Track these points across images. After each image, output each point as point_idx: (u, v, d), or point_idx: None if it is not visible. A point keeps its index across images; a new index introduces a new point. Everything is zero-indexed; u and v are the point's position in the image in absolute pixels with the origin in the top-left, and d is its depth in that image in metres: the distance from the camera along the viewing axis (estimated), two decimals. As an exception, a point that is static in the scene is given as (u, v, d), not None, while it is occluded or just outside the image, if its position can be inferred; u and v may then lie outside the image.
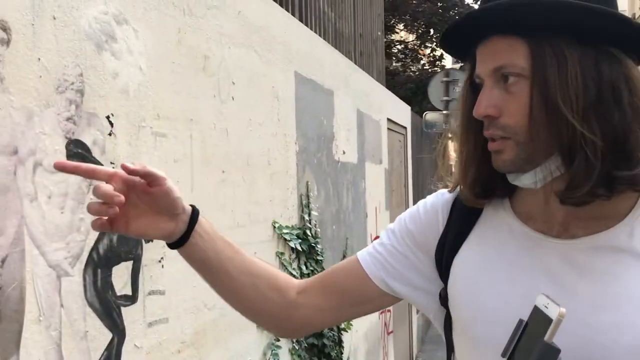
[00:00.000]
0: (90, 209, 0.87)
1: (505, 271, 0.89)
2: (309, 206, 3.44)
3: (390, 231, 1.03)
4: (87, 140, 1.62)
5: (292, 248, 3.14)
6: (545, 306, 0.72)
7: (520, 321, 0.74)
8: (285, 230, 3.03)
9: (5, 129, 1.34)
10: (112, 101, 1.73)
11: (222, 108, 2.41)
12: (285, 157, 3.13)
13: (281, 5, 3.66)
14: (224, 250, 0.98)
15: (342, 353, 3.96)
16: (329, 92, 4.01)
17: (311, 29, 4.34)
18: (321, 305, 1.04)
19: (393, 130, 6.54)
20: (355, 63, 5.83)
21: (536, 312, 0.73)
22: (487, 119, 0.85)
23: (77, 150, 1.58)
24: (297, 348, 3.18)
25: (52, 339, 1.47)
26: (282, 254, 3.02)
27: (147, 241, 1.87)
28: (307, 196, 3.45)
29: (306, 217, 3.38)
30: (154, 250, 1.92)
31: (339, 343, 3.95)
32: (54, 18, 1.50)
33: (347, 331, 4.07)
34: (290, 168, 3.20)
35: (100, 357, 1.65)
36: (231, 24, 2.51)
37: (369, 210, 5.18)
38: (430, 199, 1.03)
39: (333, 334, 3.77)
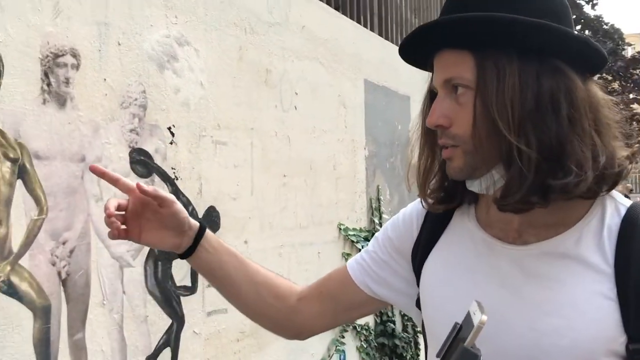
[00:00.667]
0: (105, 221, 0.98)
1: (463, 275, 0.92)
2: (379, 209, 3.55)
3: (375, 239, 1.07)
4: (150, 149, 1.85)
5: (359, 250, 3.26)
6: (474, 312, 0.74)
7: (455, 324, 0.77)
8: (351, 232, 3.16)
9: (74, 140, 1.59)
10: (174, 114, 1.96)
11: (283, 117, 2.59)
12: (353, 162, 3.25)
13: (359, 18, 3.81)
14: (228, 262, 1.06)
15: (418, 355, 4.01)
16: (404, 97, 4.08)
17: (391, 36, 4.45)
18: (319, 311, 1.08)
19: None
20: (441, 67, 5.85)
21: (467, 317, 0.76)
22: (439, 129, 0.87)
23: (140, 158, 1.82)
24: (365, 346, 3.29)
25: (115, 321, 1.71)
26: (348, 254, 3.15)
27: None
28: (378, 200, 3.55)
29: (376, 220, 3.48)
30: (213, 247, 2.12)
31: (415, 345, 4.01)
32: (119, 44, 1.74)
33: (423, 334, 4.12)
34: (359, 172, 3.33)
35: (160, 340, 1.88)
36: (294, 38, 2.69)
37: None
38: (410, 206, 1.06)
39: (407, 336, 3.83)
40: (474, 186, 0.89)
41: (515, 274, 0.87)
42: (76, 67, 1.59)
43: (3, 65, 1.40)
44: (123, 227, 0.97)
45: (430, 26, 0.86)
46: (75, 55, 1.59)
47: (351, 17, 3.68)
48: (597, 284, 0.84)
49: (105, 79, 1.69)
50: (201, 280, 2.07)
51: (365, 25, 3.93)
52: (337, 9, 3.65)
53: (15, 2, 1.43)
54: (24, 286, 1.44)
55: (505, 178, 0.84)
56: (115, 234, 0.97)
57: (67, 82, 1.56)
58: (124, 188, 0.99)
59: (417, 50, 0.90)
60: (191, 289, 2.03)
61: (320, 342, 2.88)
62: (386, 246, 1.04)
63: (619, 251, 0.85)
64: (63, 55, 1.55)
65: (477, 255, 0.91)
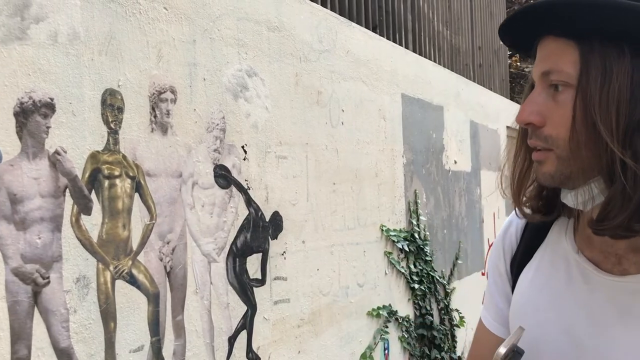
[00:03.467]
0: None
1: (550, 302, 0.81)
2: (417, 212, 3.88)
3: (488, 273, 0.98)
4: (228, 164, 2.24)
5: (400, 249, 3.59)
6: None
7: (516, 348, 0.73)
8: (392, 233, 3.50)
9: (173, 160, 1.98)
10: (246, 135, 2.34)
11: (332, 132, 2.95)
12: (392, 169, 3.60)
13: (394, 36, 4.15)
14: None
15: (455, 347, 4.31)
16: (438, 107, 4.40)
17: (425, 50, 4.77)
18: None
19: (514, 138, 6.67)
20: (473, 75, 6.13)
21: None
22: (530, 127, 0.76)
23: (221, 172, 2.20)
24: (406, 336, 3.62)
25: (205, 306, 2.09)
26: (390, 253, 3.49)
27: (273, 238, 2.46)
28: (415, 203, 3.88)
29: (414, 222, 3.81)
30: (278, 246, 2.50)
31: (452, 337, 4.32)
32: (204, 79, 2.13)
33: (459, 327, 4.43)
34: (398, 178, 3.67)
35: (238, 323, 2.25)
36: (340, 62, 3.05)
37: (485, 215, 5.46)
38: (507, 220, 0.96)
39: (444, 328, 4.14)
40: (567, 199, 0.78)
41: (607, 310, 0.76)
42: (174, 101, 1.98)
43: (124, 103, 1.80)
44: None
45: (534, 7, 0.74)
46: (173, 91, 1.98)
47: (387, 36, 4.03)
48: None
49: (194, 109, 2.07)
50: (269, 274, 2.44)
51: (400, 42, 4.27)
52: (374, 28, 4.00)
53: (131, 53, 1.83)
54: (140, 277, 1.83)
55: (605, 195, 0.72)
56: None
57: (167, 113, 1.95)
58: None
59: (519, 33, 0.78)
60: (261, 282, 2.40)
61: (367, 331, 3.23)
62: (495, 275, 0.95)
63: None
64: (164, 92, 1.94)
65: (568, 281, 0.81)
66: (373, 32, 3.76)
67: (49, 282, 1.55)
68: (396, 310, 3.52)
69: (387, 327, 3.40)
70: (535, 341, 0.77)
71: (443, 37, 5.44)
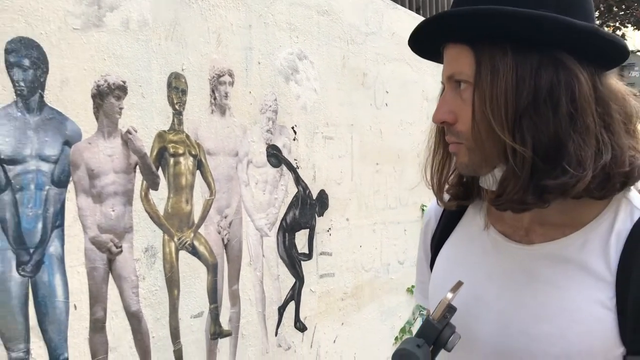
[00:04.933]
0: None
1: (466, 272, 0.89)
2: (457, 192, 3.93)
3: (417, 259, 1.08)
4: (279, 144, 2.34)
5: (439, 228, 3.67)
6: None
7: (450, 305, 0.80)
8: (433, 213, 3.57)
9: (230, 140, 2.09)
10: (296, 116, 2.44)
11: (377, 113, 3.03)
12: (434, 150, 3.66)
13: (435, 15, 4.17)
14: None
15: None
16: (480, 89, 4.42)
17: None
18: None
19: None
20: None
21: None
22: (445, 125, 0.84)
23: (273, 152, 2.31)
24: (443, 313, 3.71)
25: (257, 278, 2.23)
26: (430, 232, 3.57)
27: (319, 215, 2.57)
28: (456, 183, 3.94)
29: (454, 202, 3.87)
30: (324, 222, 2.61)
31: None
32: (259, 63, 2.23)
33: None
34: (439, 159, 3.73)
35: (287, 294, 2.38)
36: (386, 44, 3.11)
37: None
38: (429, 206, 1.07)
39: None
40: (482, 182, 0.86)
41: (517, 275, 0.84)
42: (231, 84, 2.09)
43: (187, 86, 1.91)
44: None
45: (430, 21, 0.83)
46: (231, 74, 2.09)
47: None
48: (597, 292, 0.79)
49: (250, 92, 2.18)
50: (315, 249, 2.56)
51: (444, 24, 4.28)
52: (417, 9, 4.03)
53: (193, 38, 1.94)
54: (201, 248, 1.97)
55: (499, 177, 0.81)
56: None
57: (226, 96, 2.06)
58: None
59: (426, 44, 0.87)
60: (308, 256, 2.52)
61: (406, 307, 3.34)
62: (421, 252, 1.05)
63: (624, 259, 0.79)
64: (223, 75, 2.05)
65: (482, 252, 0.89)
66: (417, 13, 3.80)
67: (121, 251, 1.69)
68: (434, 288, 3.61)
69: (425, 303, 3.49)
70: (460, 305, 0.83)
71: (486, 17, 5.41)
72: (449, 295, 0.79)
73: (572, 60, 0.77)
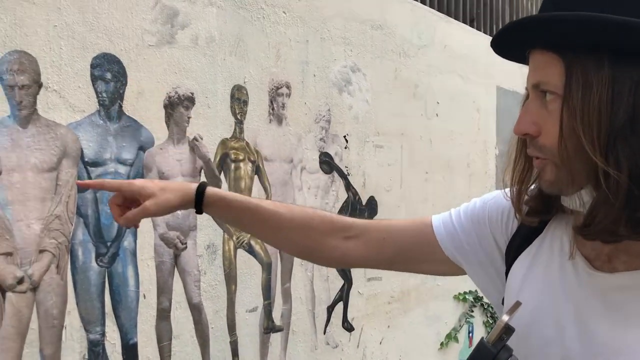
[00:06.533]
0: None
1: (542, 291, 0.85)
2: (507, 202, 3.96)
3: (467, 210, 0.98)
4: (332, 152, 2.47)
5: (488, 237, 3.71)
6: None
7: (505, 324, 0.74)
8: (481, 222, 3.62)
9: (286, 147, 2.24)
10: (348, 125, 2.56)
11: (427, 123, 3.12)
12: (485, 160, 3.71)
13: (491, 28, 4.22)
14: (243, 217, 1.05)
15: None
16: (533, 100, 4.43)
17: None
18: (373, 254, 1.03)
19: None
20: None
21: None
22: (527, 137, 0.79)
23: (325, 159, 2.44)
24: (490, 322, 3.75)
25: (308, 278, 2.36)
26: (478, 241, 3.62)
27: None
28: (506, 194, 3.97)
29: (503, 212, 3.90)
30: (373, 228, 2.72)
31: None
32: (314, 75, 2.37)
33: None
34: (489, 169, 3.77)
35: (336, 295, 2.50)
36: (438, 56, 3.20)
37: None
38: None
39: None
40: (566, 202, 0.81)
41: (593, 303, 0.80)
42: (288, 95, 2.24)
43: (248, 97, 2.07)
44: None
45: (522, 23, 0.78)
46: (288, 87, 2.23)
47: (484, 28, 4.11)
48: None
49: (305, 103, 2.32)
50: (364, 253, 2.67)
51: (497, 35, 4.33)
52: (472, 21, 4.09)
53: (254, 53, 2.09)
54: (257, 247, 2.11)
55: (589, 204, 0.75)
56: (122, 223, 1.01)
57: (283, 106, 2.21)
58: (110, 188, 1.02)
59: (510, 46, 0.82)
60: (357, 260, 2.64)
61: (452, 314, 3.40)
62: (482, 223, 0.96)
63: None
64: (281, 87, 2.20)
65: (561, 274, 0.84)
66: (470, 25, 3.86)
67: (186, 247, 1.85)
68: (482, 297, 3.65)
69: (472, 311, 3.55)
70: (527, 326, 0.81)
71: (542, 28, 5.40)
72: (505, 318, 0.73)
73: None
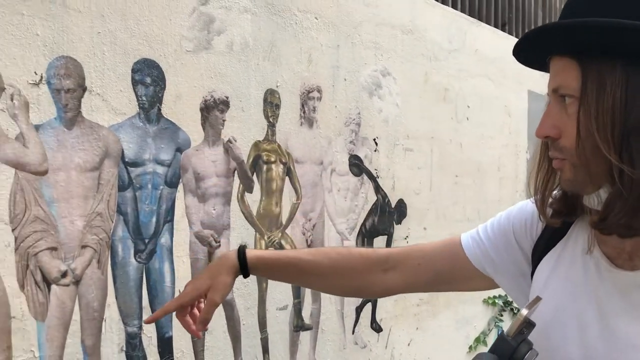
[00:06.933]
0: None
1: (565, 287, 0.88)
2: (538, 207, 3.94)
3: (492, 224, 1.03)
4: (361, 155, 2.52)
5: (518, 241, 3.69)
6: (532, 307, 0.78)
7: (525, 318, 0.77)
8: (512, 226, 3.61)
9: (316, 149, 2.29)
10: (377, 128, 2.60)
11: (457, 127, 3.13)
12: (515, 164, 3.70)
13: (522, 32, 4.21)
14: (285, 274, 1.12)
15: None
16: (566, 104, 4.39)
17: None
18: (412, 281, 1.07)
19: None
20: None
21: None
22: (549, 140, 0.82)
23: (355, 162, 2.48)
24: (520, 327, 3.73)
25: (337, 278, 2.40)
26: (508, 245, 3.61)
27: (397, 223, 2.71)
28: (537, 198, 3.95)
29: (534, 217, 3.88)
30: (402, 230, 2.75)
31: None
32: (345, 80, 2.41)
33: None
34: (520, 173, 3.76)
35: (364, 296, 2.54)
36: (469, 60, 3.21)
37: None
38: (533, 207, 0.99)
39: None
40: (587, 201, 0.84)
41: (615, 299, 0.83)
42: (319, 99, 2.29)
43: (280, 101, 2.13)
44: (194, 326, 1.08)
45: (535, 32, 0.83)
46: (319, 90, 2.28)
47: (516, 33, 4.10)
48: None
49: (335, 106, 2.37)
50: (392, 255, 2.70)
51: (529, 39, 4.31)
52: (503, 26, 4.09)
53: (287, 58, 2.15)
54: (287, 246, 2.17)
55: (604, 200, 0.79)
56: (201, 328, 1.06)
57: (314, 110, 2.26)
58: (174, 309, 1.07)
59: (531, 55, 0.86)
60: (386, 261, 2.67)
61: (482, 318, 3.40)
62: (507, 234, 1.00)
63: None
64: (312, 91, 2.25)
65: (584, 272, 0.87)
66: (502, 29, 3.86)
67: (219, 245, 1.92)
68: (511, 301, 3.64)
69: (502, 315, 3.54)
70: (549, 322, 0.84)
71: (575, 31, 5.34)
72: (524, 312, 0.75)
73: None
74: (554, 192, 0.90)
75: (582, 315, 0.84)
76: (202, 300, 1.05)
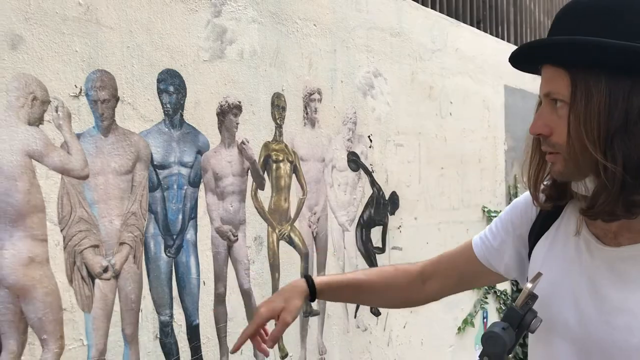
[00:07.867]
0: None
1: (560, 264, 1.00)
2: (516, 194, 4.18)
3: (498, 220, 1.17)
4: (358, 151, 2.69)
5: (499, 228, 3.92)
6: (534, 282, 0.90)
7: (529, 292, 0.89)
8: (493, 214, 3.84)
9: (318, 147, 2.46)
10: (371, 126, 2.78)
11: (442, 122, 3.34)
12: (495, 156, 3.93)
13: (497, 28, 4.44)
14: (347, 294, 1.31)
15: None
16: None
17: (526, 40, 5.00)
18: (445, 286, 1.24)
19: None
20: (574, 63, 6.22)
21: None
22: (541, 137, 0.93)
23: (353, 158, 2.66)
24: (502, 308, 3.97)
25: (340, 266, 2.58)
26: (490, 232, 3.83)
27: (391, 214, 2.90)
28: (515, 187, 4.19)
29: (513, 204, 4.12)
30: (395, 220, 2.94)
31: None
32: (342, 81, 2.59)
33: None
34: (499, 164, 3.99)
35: (364, 282, 2.72)
36: (450, 59, 3.41)
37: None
38: (528, 197, 1.12)
39: (539, 305, 4.43)
40: (575, 187, 0.97)
41: (603, 272, 0.94)
42: (320, 100, 2.46)
43: (286, 104, 2.29)
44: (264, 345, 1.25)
45: (534, 45, 0.93)
46: (319, 93, 2.45)
47: (490, 29, 4.32)
48: None
49: (334, 107, 2.54)
50: (387, 244, 2.89)
51: (502, 35, 4.54)
52: (478, 22, 4.31)
53: (290, 63, 2.31)
54: (296, 239, 2.34)
55: (591, 190, 0.91)
56: (271, 345, 1.24)
57: (315, 111, 2.43)
58: (253, 331, 1.24)
59: (525, 62, 0.98)
60: (382, 250, 2.86)
61: (468, 301, 3.62)
62: (507, 227, 1.14)
63: None
64: (313, 93, 2.42)
65: (576, 251, 0.99)
66: (477, 26, 4.08)
67: (237, 239, 2.08)
68: (494, 285, 3.87)
69: (486, 298, 3.77)
70: (547, 296, 0.95)
71: (545, 27, 5.61)
72: (529, 285, 0.87)
73: None
74: (545, 181, 1.02)
75: (576, 287, 0.96)
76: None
